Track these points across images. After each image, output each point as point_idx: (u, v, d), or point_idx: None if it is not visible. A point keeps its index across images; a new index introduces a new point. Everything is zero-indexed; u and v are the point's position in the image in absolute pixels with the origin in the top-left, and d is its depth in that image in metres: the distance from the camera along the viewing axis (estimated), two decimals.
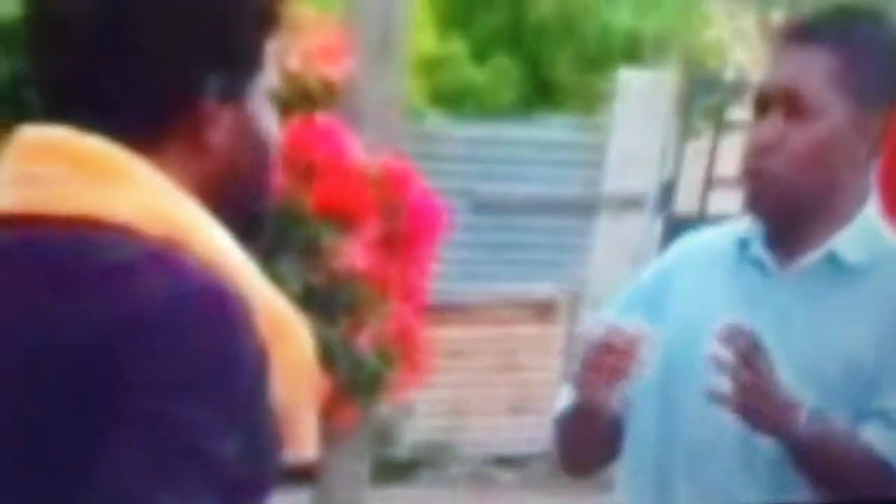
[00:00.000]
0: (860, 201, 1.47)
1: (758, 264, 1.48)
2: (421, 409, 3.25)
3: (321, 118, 2.84)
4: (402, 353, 2.77)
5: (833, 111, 1.41)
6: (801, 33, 1.45)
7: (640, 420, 1.50)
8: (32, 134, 0.90)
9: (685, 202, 4.13)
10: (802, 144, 1.41)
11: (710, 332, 1.38)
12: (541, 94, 4.99)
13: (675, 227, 4.04)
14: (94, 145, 0.86)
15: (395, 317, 2.74)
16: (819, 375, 1.41)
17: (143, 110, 0.87)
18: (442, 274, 3.31)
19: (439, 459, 3.14)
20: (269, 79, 0.93)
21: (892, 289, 1.46)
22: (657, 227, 4.27)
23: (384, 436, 2.69)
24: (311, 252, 2.63)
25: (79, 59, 0.87)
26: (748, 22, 5.79)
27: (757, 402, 1.37)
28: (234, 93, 0.90)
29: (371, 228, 2.71)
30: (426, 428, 3.42)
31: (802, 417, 1.38)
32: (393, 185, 2.77)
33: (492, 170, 4.53)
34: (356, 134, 2.85)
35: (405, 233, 2.76)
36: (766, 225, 1.47)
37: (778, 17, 5.78)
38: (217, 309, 0.81)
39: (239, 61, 0.91)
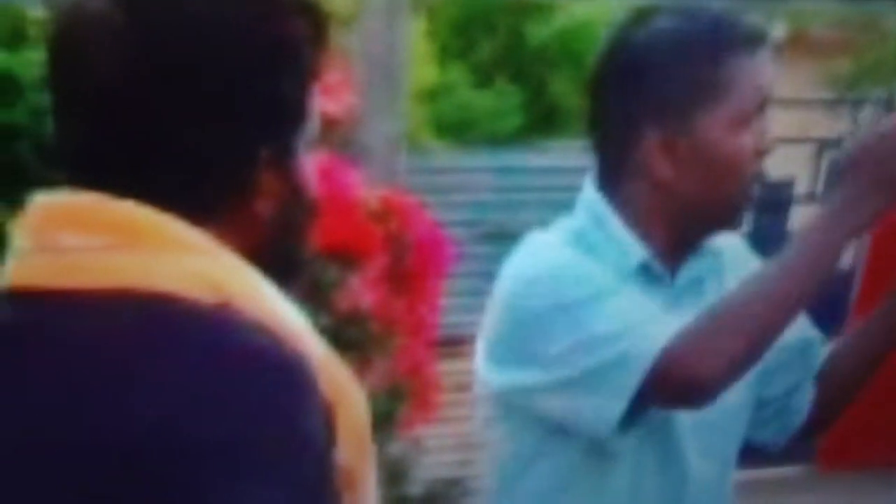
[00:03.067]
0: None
1: (657, 280, 1.46)
2: (432, 445, 3.22)
3: (322, 155, 2.84)
4: (412, 389, 2.75)
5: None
6: (760, 37, 1.41)
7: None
8: (56, 201, 0.85)
9: None
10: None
11: None
12: (546, 119, 5.01)
13: None
14: (141, 213, 0.82)
15: (403, 353, 2.72)
16: None
17: (191, 186, 0.84)
18: (451, 307, 3.31)
19: (452, 495, 3.11)
20: (311, 131, 0.92)
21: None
22: None
23: (397, 474, 2.67)
24: (317, 291, 2.61)
25: (118, 130, 0.84)
26: None
27: None
28: (285, 160, 0.88)
29: (377, 265, 2.69)
30: (438, 464, 3.39)
31: None
32: (397, 220, 2.76)
33: (499, 199, 4.53)
34: (359, 169, 2.84)
35: (412, 268, 2.75)
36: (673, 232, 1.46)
37: (778, 31, 5.79)
38: (281, 374, 0.78)
39: (290, 125, 0.89)
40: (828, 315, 4.17)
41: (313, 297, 2.59)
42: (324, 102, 3.04)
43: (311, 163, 0.92)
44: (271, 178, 0.87)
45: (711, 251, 1.48)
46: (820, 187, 4.22)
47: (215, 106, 0.84)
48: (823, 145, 4.22)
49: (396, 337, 2.67)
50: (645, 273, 1.44)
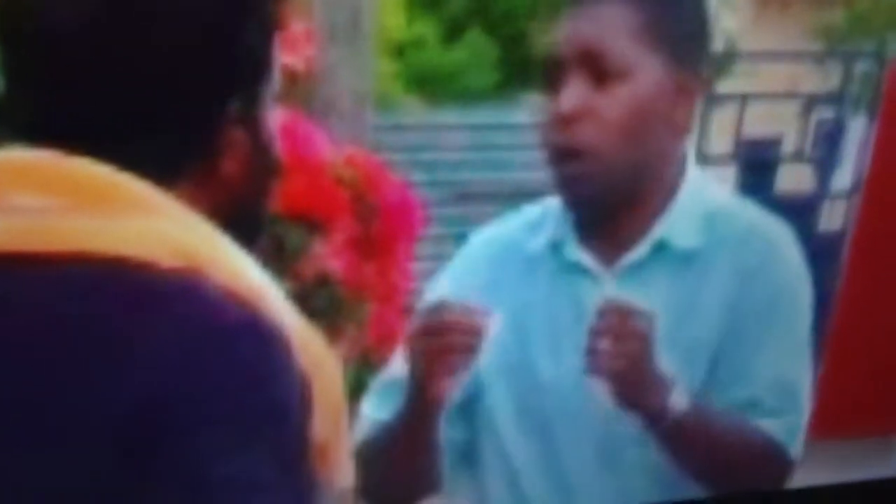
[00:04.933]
0: (680, 173, 1.36)
1: (577, 268, 1.36)
2: None
3: (284, 112, 2.77)
4: (384, 358, 2.71)
5: (644, 71, 1.27)
6: None
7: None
8: (9, 158, 0.81)
9: None
10: (617, 111, 1.27)
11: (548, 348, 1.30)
12: (522, 72, 4.97)
13: None
14: (101, 172, 0.80)
15: (375, 320, 2.68)
16: (678, 378, 1.30)
17: (154, 143, 0.82)
18: (422, 271, 3.27)
19: None
20: (273, 85, 0.91)
21: (733, 267, 1.35)
22: None
23: None
24: (281, 256, 2.56)
25: (74, 83, 0.81)
26: None
27: (634, 374, 1.25)
28: (252, 115, 0.88)
29: (344, 228, 2.64)
30: None
31: (679, 395, 1.27)
32: (365, 181, 2.71)
33: (473, 157, 4.51)
34: (323, 127, 2.79)
35: (381, 231, 2.71)
36: (586, 211, 1.34)
37: None
38: (256, 345, 0.77)
39: (256, 77, 0.88)
40: (817, 278, 4.17)
41: (277, 262, 2.57)
42: (285, 55, 3.00)
43: (274, 119, 0.92)
44: (238, 135, 0.86)
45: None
46: (808, 146, 4.17)
47: (177, 56, 0.82)
48: (812, 101, 4.17)
49: (367, 303, 2.64)
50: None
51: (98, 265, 0.77)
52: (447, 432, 1.39)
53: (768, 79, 4.28)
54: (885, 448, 2.65)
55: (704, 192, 1.38)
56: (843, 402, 3.89)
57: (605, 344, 1.24)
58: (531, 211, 1.44)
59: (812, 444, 3.89)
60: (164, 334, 0.75)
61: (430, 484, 1.40)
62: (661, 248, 1.34)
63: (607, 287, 1.33)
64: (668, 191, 1.35)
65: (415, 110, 4.47)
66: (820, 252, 4.23)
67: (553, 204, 1.41)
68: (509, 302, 1.36)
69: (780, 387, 1.35)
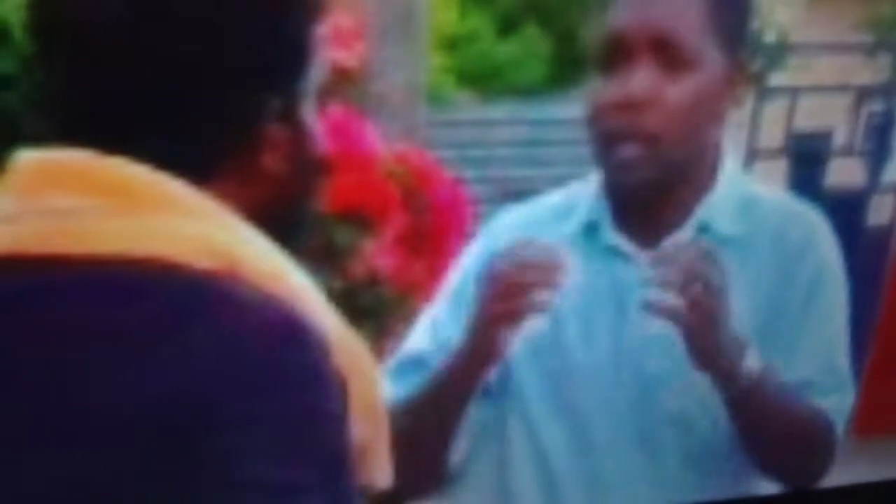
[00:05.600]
0: (719, 161, 1.39)
1: (614, 252, 1.38)
2: None
3: (335, 108, 2.78)
4: None
5: (709, 60, 1.31)
6: None
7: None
8: (44, 159, 0.81)
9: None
10: (682, 99, 1.30)
11: (587, 336, 1.30)
12: (575, 68, 4.96)
13: None
14: (137, 172, 0.80)
15: None
16: None
17: (191, 141, 0.82)
18: None
19: None
20: (318, 78, 0.89)
21: (773, 254, 1.37)
22: None
23: None
24: (331, 255, 2.61)
25: (110, 79, 0.80)
26: None
27: (711, 328, 1.25)
28: (293, 109, 0.87)
29: (394, 226, 2.68)
30: None
31: (753, 358, 1.29)
32: (416, 179, 2.75)
33: (525, 153, 4.50)
34: (375, 124, 2.83)
35: (431, 229, 2.74)
36: (627, 196, 1.36)
37: None
38: (293, 348, 0.77)
39: (297, 70, 0.86)
40: (866, 273, 4.17)
41: (327, 260, 2.59)
42: (336, 51, 3.03)
43: (318, 113, 0.90)
44: (279, 130, 0.85)
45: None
46: (859, 139, 4.15)
47: (213, 49, 0.81)
48: (863, 94, 4.15)
49: (415, 302, 2.60)
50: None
51: (134, 267, 0.77)
52: (473, 413, 1.41)
53: (819, 72, 4.27)
54: None
55: (740, 180, 1.41)
56: (888, 399, 3.90)
57: (684, 291, 1.25)
58: (554, 199, 1.46)
59: (855, 441, 3.90)
60: (200, 336, 0.76)
61: (436, 478, 1.41)
62: (702, 231, 1.37)
63: (645, 270, 1.34)
64: (709, 176, 1.38)
65: (467, 106, 4.49)
66: (869, 246, 4.23)
67: (581, 190, 1.43)
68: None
69: (830, 368, 1.38)
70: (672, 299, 1.26)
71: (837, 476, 1.61)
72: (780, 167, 4.17)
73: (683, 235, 1.36)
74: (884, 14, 5.30)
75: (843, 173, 4.24)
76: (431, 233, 2.75)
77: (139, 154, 0.80)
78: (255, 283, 0.79)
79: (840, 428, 1.39)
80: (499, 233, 1.47)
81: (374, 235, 2.65)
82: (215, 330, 0.76)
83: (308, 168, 0.91)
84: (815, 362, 1.38)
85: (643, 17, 1.30)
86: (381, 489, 0.91)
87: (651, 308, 1.27)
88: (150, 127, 0.81)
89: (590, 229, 1.40)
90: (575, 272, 1.34)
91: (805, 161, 4.34)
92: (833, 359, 1.40)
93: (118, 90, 0.80)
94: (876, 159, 4.29)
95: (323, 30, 0.88)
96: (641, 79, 1.28)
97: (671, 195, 1.37)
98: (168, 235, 0.79)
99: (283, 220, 0.88)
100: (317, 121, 0.90)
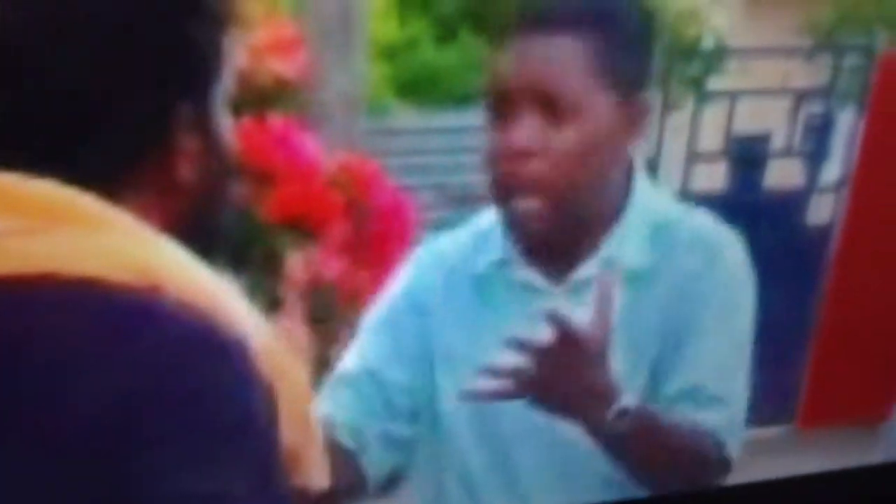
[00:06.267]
0: (627, 187, 1.38)
1: (526, 287, 1.38)
2: None
3: (275, 118, 2.80)
4: None
5: (596, 106, 1.29)
6: (544, 21, 1.30)
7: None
8: None
9: (667, 178, 4.14)
10: (569, 147, 1.29)
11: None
12: None
13: None
14: (57, 193, 0.78)
15: None
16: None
17: (104, 154, 0.81)
18: None
19: None
20: (225, 83, 0.88)
21: (676, 278, 1.35)
22: None
23: None
24: (275, 264, 2.62)
25: (15, 97, 0.79)
26: None
27: (565, 389, 1.24)
28: (204, 117, 0.85)
29: (337, 234, 2.70)
30: None
31: (626, 401, 1.26)
32: (358, 187, 2.76)
33: (466, 161, 4.49)
34: (315, 133, 2.85)
35: (375, 236, 2.75)
36: (533, 241, 1.36)
37: None
38: (217, 358, 0.77)
39: (204, 77, 0.85)
40: (806, 270, 4.22)
41: (271, 269, 2.61)
42: (276, 62, 3.03)
43: (230, 120, 0.89)
44: (191, 139, 0.84)
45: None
46: (797, 141, 4.24)
47: (119, 59, 0.80)
48: (802, 96, 4.22)
49: (361, 308, 2.61)
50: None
51: (53, 285, 0.76)
52: (394, 428, 1.43)
53: (758, 75, 4.32)
54: (870, 437, 2.72)
55: (652, 205, 1.39)
56: (831, 392, 3.96)
57: (532, 362, 1.23)
58: (482, 220, 1.45)
59: (800, 433, 3.96)
60: (121, 352, 0.75)
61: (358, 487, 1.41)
62: (608, 265, 1.35)
63: (556, 304, 1.32)
64: (616, 206, 1.37)
65: (407, 114, 4.50)
66: (809, 244, 4.30)
67: (496, 222, 1.41)
68: (460, 317, 1.41)
69: (720, 374, 1.36)
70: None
71: (782, 468, 1.64)
72: (721, 169, 4.25)
73: (588, 269, 1.35)
74: (822, 18, 5.39)
75: (783, 174, 4.32)
76: (375, 240, 2.76)
77: (49, 171, 0.78)
78: (176, 295, 0.77)
79: (731, 445, 1.36)
80: (425, 264, 1.47)
81: (317, 243, 2.67)
82: (137, 345, 0.75)
83: (222, 177, 0.89)
84: (707, 368, 1.35)
85: (523, 65, 1.29)
86: (318, 491, 0.91)
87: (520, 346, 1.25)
88: (58, 142, 0.79)
89: (500, 265, 1.40)
90: (491, 305, 1.38)
91: (745, 163, 4.41)
92: (726, 366, 1.37)
93: (26, 111, 0.79)
94: (815, 160, 4.38)
95: (235, 38, 0.88)
96: (524, 130, 1.27)
97: (576, 230, 1.36)
98: (93, 254, 0.77)
99: (199, 229, 0.86)
100: (230, 129, 0.89)
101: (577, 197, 1.31)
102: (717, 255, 1.36)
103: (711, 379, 1.35)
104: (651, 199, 1.39)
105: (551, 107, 1.28)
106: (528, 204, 1.29)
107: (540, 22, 1.30)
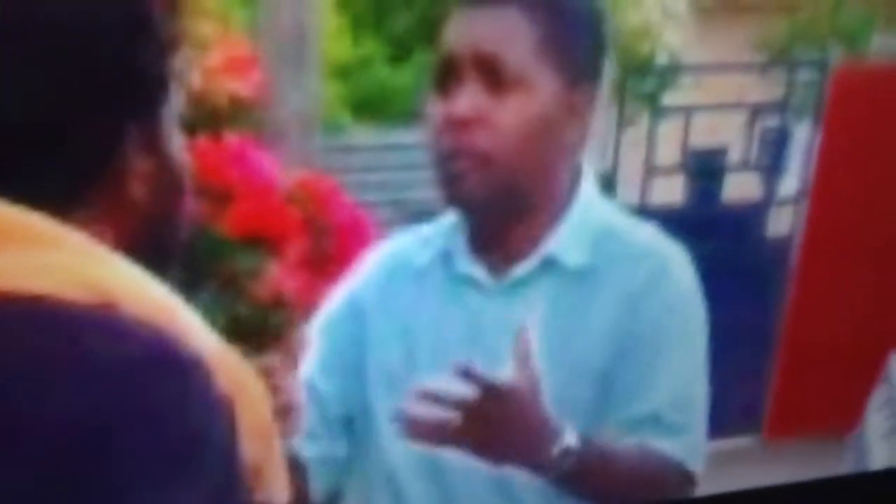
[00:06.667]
0: (572, 189, 1.37)
1: (467, 280, 1.37)
2: None
3: (232, 137, 2.79)
4: None
5: (540, 84, 1.28)
6: None
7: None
8: None
9: (625, 192, 4.17)
10: (510, 120, 1.28)
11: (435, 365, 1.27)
12: None
13: None
14: (5, 211, 0.78)
15: None
16: (564, 396, 1.26)
17: (54, 174, 0.81)
18: None
19: None
20: (175, 103, 0.89)
21: (621, 289, 1.33)
22: None
23: None
24: (234, 280, 2.60)
25: None
26: (678, 3, 5.83)
27: (503, 433, 1.20)
28: (154, 136, 0.86)
29: (296, 250, 2.69)
30: None
31: (569, 438, 1.23)
32: (316, 203, 2.76)
33: (422, 176, 4.50)
34: (272, 151, 2.85)
35: (334, 251, 2.74)
36: (472, 221, 1.36)
37: None
38: (173, 375, 0.76)
39: (153, 97, 0.85)
40: (767, 282, 4.26)
41: (231, 285, 2.60)
42: (232, 81, 3.02)
43: (178, 137, 0.89)
44: (141, 158, 0.85)
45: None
46: (754, 154, 4.29)
47: (68, 78, 0.80)
48: (757, 111, 4.27)
49: None
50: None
51: (16, 304, 0.75)
52: (331, 447, 1.42)
53: (714, 90, 4.40)
54: (837, 448, 2.74)
55: (597, 211, 1.38)
56: (797, 403, 4.00)
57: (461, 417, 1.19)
58: (425, 227, 1.45)
59: (767, 444, 3.98)
60: (76, 370, 0.74)
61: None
62: (549, 263, 1.34)
63: (494, 301, 1.33)
64: (559, 206, 1.36)
65: (363, 131, 4.51)
66: (769, 256, 4.35)
67: (445, 219, 1.42)
68: (398, 314, 1.39)
69: (679, 402, 1.34)
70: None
71: (749, 479, 1.64)
72: (679, 183, 4.28)
73: (528, 266, 1.34)
74: (776, 34, 5.47)
75: (741, 187, 4.36)
76: (334, 255, 2.76)
77: (2, 191, 0.78)
78: (130, 312, 0.77)
79: (694, 464, 1.34)
80: (369, 265, 1.47)
81: (276, 259, 2.65)
82: (93, 363, 0.74)
83: (175, 195, 0.90)
84: (665, 396, 1.32)
85: (469, 37, 1.28)
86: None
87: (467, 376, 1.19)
88: (7, 164, 0.80)
89: (444, 257, 1.39)
90: (430, 300, 1.37)
91: (702, 176, 4.45)
92: (684, 393, 1.35)
93: None
94: (772, 173, 4.43)
95: (183, 59, 0.88)
96: (466, 98, 1.27)
97: (517, 222, 1.34)
98: (44, 272, 0.76)
99: (154, 247, 0.87)
100: (183, 147, 0.90)
101: (516, 175, 1.29)
102: (664, 271, 1.35)
103: (671, 406, 1.32)
104: (596, 205, 1.38)
105: (494, 75, 1.26)
106: (463, 165, 1.27)
107: None
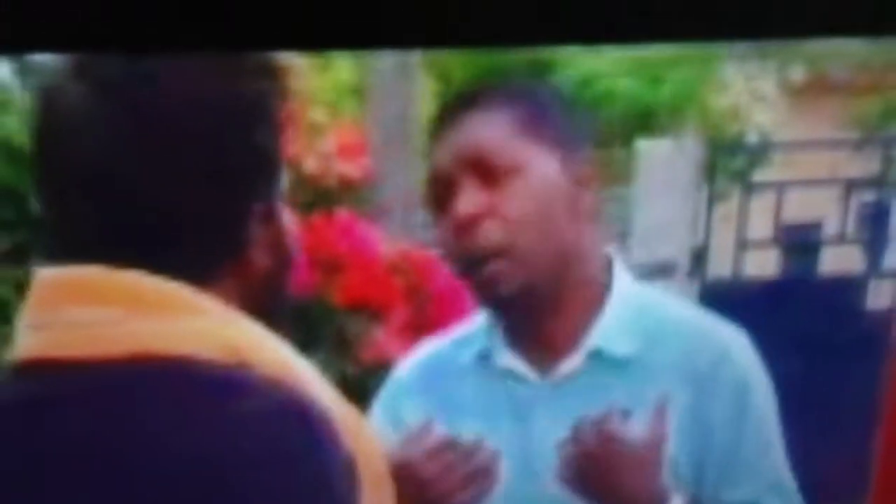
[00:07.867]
0: (606, 277, 1.36)
1: (511, 375, 1.36)
2: None
3: (341, 214, 2.99)
4: None
5: (535, 165, 1.28)
6: (465, 103, 1.29)
7: None
8: (58, 275, 0.87)
9: (718, 267, 4.26)
10: (516, 206, 1.27)
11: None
12: None
13: (712, 292, 4.18)
14: (147, 282, 0.85)
15: None
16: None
17: (191, 252, 0.87)
18: None
19: None
20: (285, 180, 0.95)
21: (681, 379, 1.32)
22: (692, 295, 4.23)
23: None
24: (343, 344, 2.79)
25: (115, 207, 0.86)
26: (767, 83, 5.96)
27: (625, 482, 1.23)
28: (271, 209, 0.92)
29: (399, 316, 2.86)
30: None
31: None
32: (417, 273, 2.95)
33: None
34: (377, 226, 3.04)
35: (434, 316, 2.89)
36: (512, 315, 1.35)
37: (797, 75, 5.94)
38: (304, 430, 0.81)
39: (271, 177, 0.92)
40: (868, 355, 4.29)
41: (339, 349, 2.78)
42: (343, 164, 3.24)
43: (288, 212, 0.96)
44: (262, 230, 0.91)
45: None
46: (850, 228, 4.33)
47: (201, 171, 0.87)
48: (851, 185, 4.33)
49: None
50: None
51: (154, 364, 0.82)
52: None
53: (805, 166, 4.46)
54: None
55: (637, 298, 1.36)
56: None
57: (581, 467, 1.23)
58: (459, 330, 1.44)
59: None
60: (215, 421, 0.80)
61: None
62: (596, 356, 1.33)
63: (543, 395, 1.32)
64: (593, 296, 1.35)
65: None
66: (869, 330, 4.33)
67: (480, 318, 1.40)
68: (443, 414, 1.33)
69: (775, 484, 1.34)
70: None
71: None
72: (772, 256, 4.34)
73: (575, 361, 1.33)
74: (870, 111, 5.52)
75: (837, 261, 4.42)
76: (435, 321, 2.81)
77: (147, 266, 0.85)
78: (263, 371, 0.83)
79: None
80: (409, 365, 1.46)
81: (381, 324, 2.83)
82: (232, 416, 0.80)
83: (286, 259, 0.96)
84: (759, 480, 1.33)
85: (453, 146, 1.27)
86: None
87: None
88: (156, 243, 0.87)
89: (485, 355, 1.37)
90: (475, 397, 1.35)
91: (797, 250, 4.55)
92: (776, 474, 1.34)
93: (125, 217, 0.86)
94: (872, 246, 4.46)
95: (287, 139, 0.96)
96: (466, 198, 1.25)
97: (555, 314, 1.33)
98: (184, 335, 0.84)
99: (270, 309, 0.93)
100: (291, 219, 0.96)
101: (538, 256, 1.28)
102: (726, 351, 1.34)
103: (769, 492, 1.34)
104: (635, 292, 1.37)
105: (488, 171, 1.27)
106: (492, 268, 1.27)
107: (461, 104, 1.29)
